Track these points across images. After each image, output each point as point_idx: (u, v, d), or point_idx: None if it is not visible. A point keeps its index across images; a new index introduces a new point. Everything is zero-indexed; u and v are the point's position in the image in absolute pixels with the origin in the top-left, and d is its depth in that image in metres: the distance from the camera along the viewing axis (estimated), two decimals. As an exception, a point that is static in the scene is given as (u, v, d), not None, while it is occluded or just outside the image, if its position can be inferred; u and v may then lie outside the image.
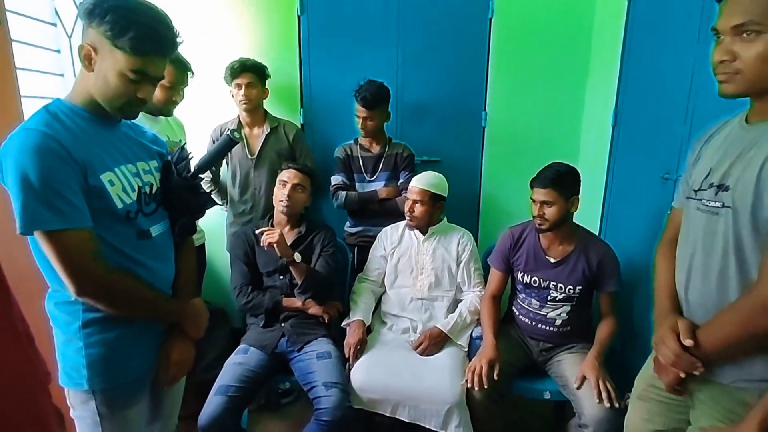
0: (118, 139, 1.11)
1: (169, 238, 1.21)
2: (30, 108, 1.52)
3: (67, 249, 0.95)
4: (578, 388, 1.63)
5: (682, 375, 1.02)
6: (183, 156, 1.26)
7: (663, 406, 1.18)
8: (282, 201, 1.87)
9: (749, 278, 0.92)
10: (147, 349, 1.15)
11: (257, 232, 1.82)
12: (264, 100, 2.27)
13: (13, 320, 0.71)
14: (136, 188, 1.10)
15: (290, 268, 1.79)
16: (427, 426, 1.66)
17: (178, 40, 1.06)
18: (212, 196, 2.05)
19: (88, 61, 1.00)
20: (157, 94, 1.75)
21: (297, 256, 1.79)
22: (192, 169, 1.27)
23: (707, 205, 0.99)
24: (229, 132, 1.95)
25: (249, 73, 2.11)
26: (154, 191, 1.16)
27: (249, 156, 2.24)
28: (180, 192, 1.20)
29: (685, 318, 1.05)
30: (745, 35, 0.85)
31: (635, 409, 1.29)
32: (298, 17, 2.40)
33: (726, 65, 0.88)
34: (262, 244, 1.76)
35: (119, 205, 1.04)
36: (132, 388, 1.12)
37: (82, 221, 0.97)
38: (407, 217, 2.00)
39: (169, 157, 1.25)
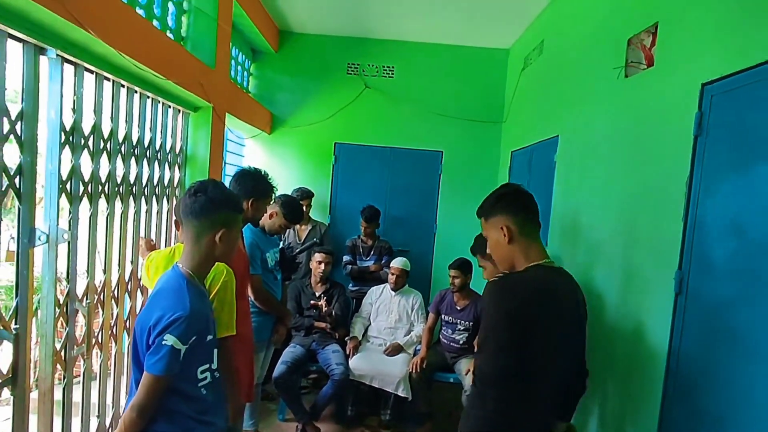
0: (268, 240, 2.81)
1: (280, 281, 2.86)
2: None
3: (254, 282, 2.59)
4: (465, 374, 3.18)
5: None
6: (289, 248, 2.96)
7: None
8: (319, 272, 3.51)
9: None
10: (268, 328, 2.73)
11: (319, 303, 3.39)
12: (310, 209, 4.04)
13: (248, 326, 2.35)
14: (275, 259, 2.77)
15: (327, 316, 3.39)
16: (387, 389, 3.18)
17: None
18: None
19: (271, 218, 2.72)
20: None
21: (331, 310, 3.40)
22: (295, 253, 2.98)
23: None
24: (315, 240, 3.66)
25: (307, 199, 3.89)
26: (277, 260, 2.83)
27: (298, 241, 3.95)
28: (288, 262, 2.89)
29: None
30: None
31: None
32: (333, 165, 4.28)
33: None
34: (320, 307, 3.36)
35: (270, 265, 2.71)
36: (263, 344, 2.69)
37: (259, 271, 2.62)
38: (391, 284, 3.63)
39: (281, 246, 2.95)
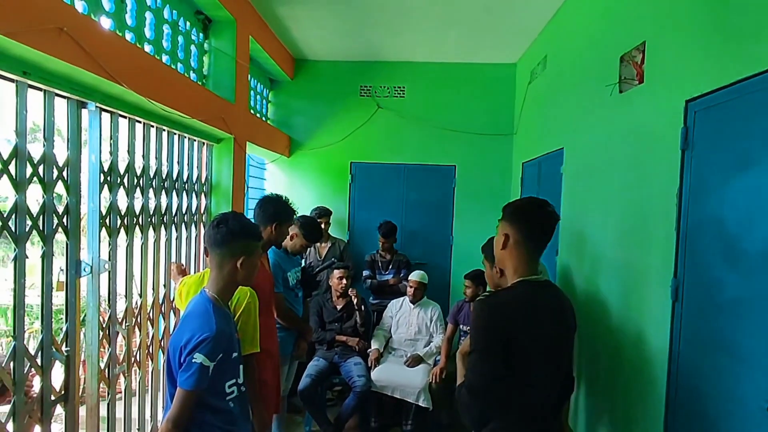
0: (290, 260, 2.98)
1: (300, 298, 3.02)
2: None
3: (277, 299, 2.76)
4: (484, 383, 3.25)
5: None
6: (310, 266, 3.13)
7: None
8: (341, 287, 3.67)
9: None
10: (291, 344, 2.89)
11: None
12: (329, 227, 4.22)
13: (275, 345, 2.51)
14: (296, 277, 2.94)
15: (355, 320, 3.54)
16: (408, 400, 3.28)
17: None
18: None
19: (292, 240, 2.90)
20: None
21: (359, 316, 3.56)
22: (315, 271, 3.14)
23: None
24: (333, 260, 3.82)
25: (325, 217, 4.07)
26: (299, 279, 3.00)
27: (318, 259, 4.12)
28: (309, 279, 3.05)
29: None
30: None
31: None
32: (350, 184, 4.46)
33: None
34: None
35: (291, 284, 2.87)
36: (286, 358, 2.85)
37: (281, 289, 2.79)
38: (410, 296, 3.75)
39: (303, 264, 3.11)
